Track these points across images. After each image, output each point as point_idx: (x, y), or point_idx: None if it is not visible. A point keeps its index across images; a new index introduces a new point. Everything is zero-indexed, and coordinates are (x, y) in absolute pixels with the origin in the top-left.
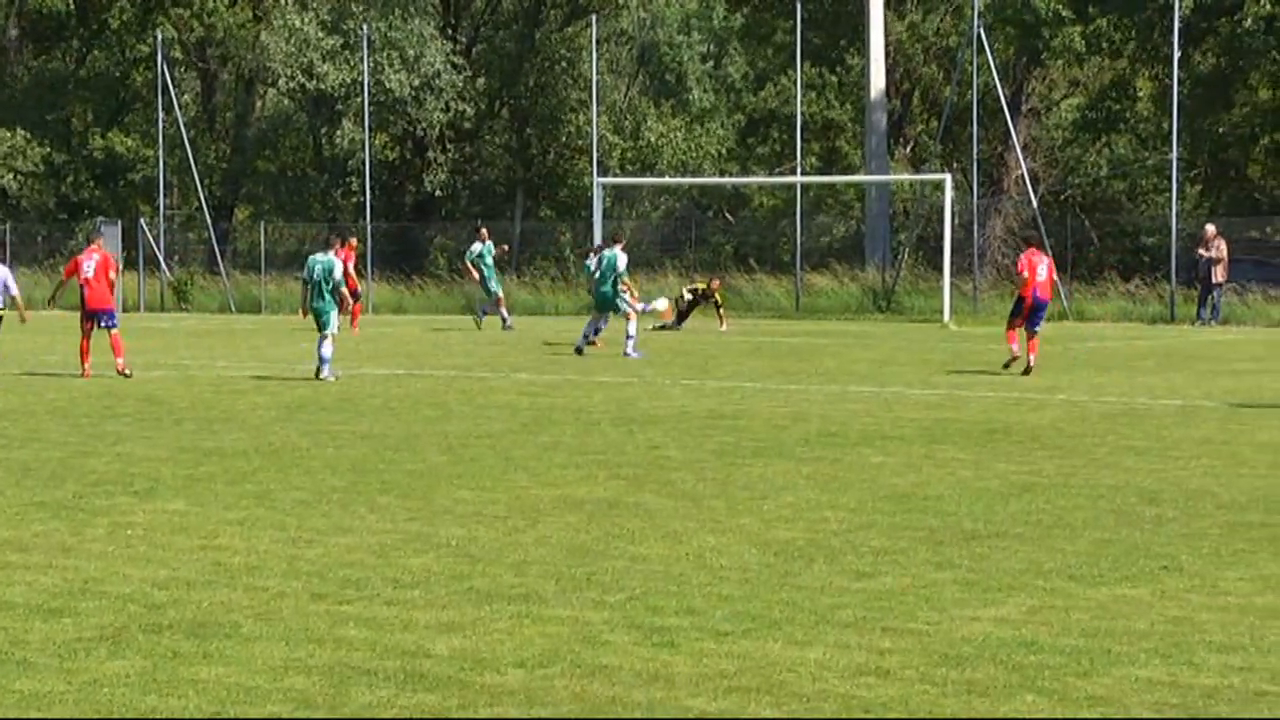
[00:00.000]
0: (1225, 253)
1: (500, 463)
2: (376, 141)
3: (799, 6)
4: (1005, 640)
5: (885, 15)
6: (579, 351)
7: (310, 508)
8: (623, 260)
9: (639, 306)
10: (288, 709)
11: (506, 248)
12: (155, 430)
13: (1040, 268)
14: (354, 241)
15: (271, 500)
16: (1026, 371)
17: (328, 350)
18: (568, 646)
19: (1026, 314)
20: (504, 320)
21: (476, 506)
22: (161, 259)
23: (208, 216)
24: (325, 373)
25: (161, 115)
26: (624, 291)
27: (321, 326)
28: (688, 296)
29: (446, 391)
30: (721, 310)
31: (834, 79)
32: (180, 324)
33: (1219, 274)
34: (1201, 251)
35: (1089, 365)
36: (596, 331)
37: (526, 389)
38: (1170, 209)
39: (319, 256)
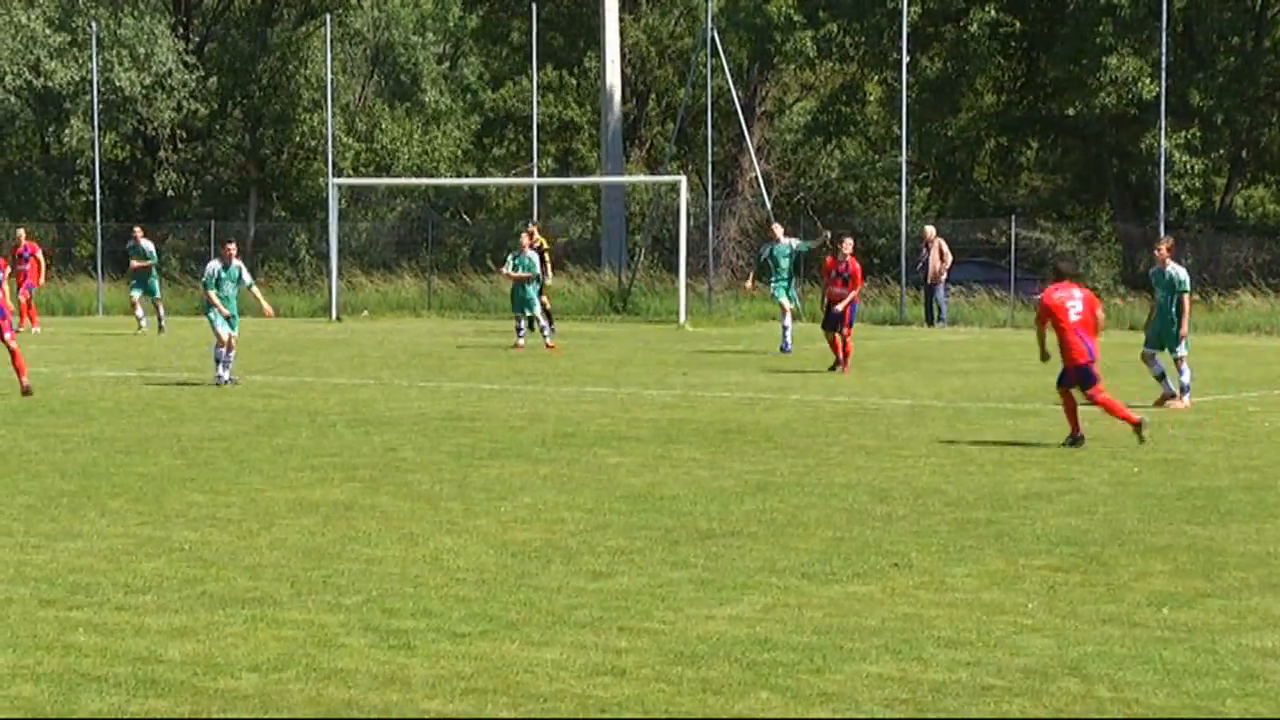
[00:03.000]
0: (946, 254)
1: (234, 466)
2: (106, 140)
3: (535, 7)
4: (740, 638)
5: (621, 17)
6: None
7: (38, 513)
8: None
9: None
10: (15, 717)
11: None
12: None
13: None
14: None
15: None
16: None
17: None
18: (303, 650)
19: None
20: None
21: (209, 510)
22: None
23: None
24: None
25: None
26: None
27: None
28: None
29: (179, 394)
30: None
31: (571, 80)
32: None
33: (934, 275)
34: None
35: (823, 365)
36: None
37: (261, 391)
38: (900, 211)
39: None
